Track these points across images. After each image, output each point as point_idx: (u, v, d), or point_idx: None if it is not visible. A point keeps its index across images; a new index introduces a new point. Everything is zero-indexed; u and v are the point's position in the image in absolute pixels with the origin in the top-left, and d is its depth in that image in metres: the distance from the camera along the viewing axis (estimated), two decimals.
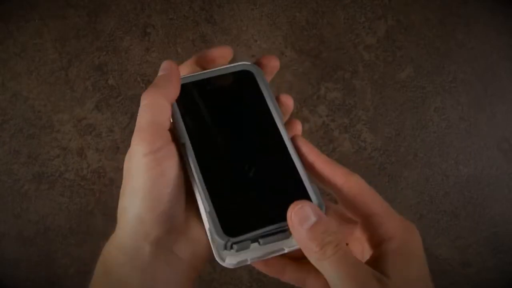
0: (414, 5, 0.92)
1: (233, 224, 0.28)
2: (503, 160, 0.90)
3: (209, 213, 0.29)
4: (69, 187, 0.87)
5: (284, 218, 0.28)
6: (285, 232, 0.28)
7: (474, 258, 0.90)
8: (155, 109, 0.30)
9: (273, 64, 0.35)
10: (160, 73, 0.31)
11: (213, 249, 0.29)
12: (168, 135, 0.30)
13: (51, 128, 0.88)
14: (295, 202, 0.27)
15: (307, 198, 0.30)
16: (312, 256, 0.26)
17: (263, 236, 0.28)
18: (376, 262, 0.27)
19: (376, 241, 0.28)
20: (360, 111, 0.90)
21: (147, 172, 0.29)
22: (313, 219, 0.27)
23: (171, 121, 0.31)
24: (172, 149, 0.30)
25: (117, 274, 0.29)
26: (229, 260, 0.28)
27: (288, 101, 0.34)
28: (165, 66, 0.31)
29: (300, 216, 0.27)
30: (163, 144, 0.29)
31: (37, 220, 0.87)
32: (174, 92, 0.31)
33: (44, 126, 0.88)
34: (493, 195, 0.90)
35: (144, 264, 0.29)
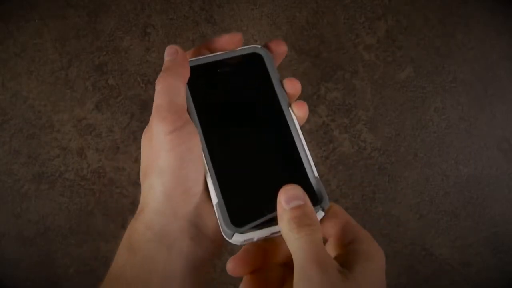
0: (414, 5, 0.92)
1: (240, 215, 0.29)
2: (503, 160, 0.90)
3: (218, 204, 0.29)
4: (69, 187, 0.87)
5: None
6: None
7: (474, 258, 0.90)
8: (172, 90, 0.30)
9: (282, 49, 0.35)
10: (166, 58, 0.32)
11: (220, 227, 0.30)
12: (187, 115, 0.31)
13: (51, 128, 0.88)
14: (288, 185, 0.28)
15: (313, 195, 0.30)
16: (287, 232, 0.27)
17: (268, 222, 0.29)
18: (341, 258, 0.28)
19: (344, 241, 0.29)
20: (360, 111, 0.90)
21: (173, 149, 0.29)
22: (299, 202, 0.28)
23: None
24: (192, 128, 0.30)
25: (144, 250, 0.29)
26: (236, 237, 0.29)
27: (296, 85, 0.34)
28: (170, 50, 0.32)
29: (288, 196, 0.28)
30: (184, 123, 0.30)
31: (37, 220, 0.87)
32: (185, 73, 0.32)
33: (44, 126, 0.88)
34: (493, 195, 0.90)
35: (171, 240, 0.29)
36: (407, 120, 0.90)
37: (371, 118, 0.90)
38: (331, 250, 0.31)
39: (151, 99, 0.99)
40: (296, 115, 0.33)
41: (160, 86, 0.30)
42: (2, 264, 0.86)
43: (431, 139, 0.90)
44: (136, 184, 0.86)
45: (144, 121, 0.86)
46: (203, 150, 0.31)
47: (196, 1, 0.91)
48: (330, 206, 0.31)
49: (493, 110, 0.91)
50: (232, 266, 0.29)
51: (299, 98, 0.34)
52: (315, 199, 0.30)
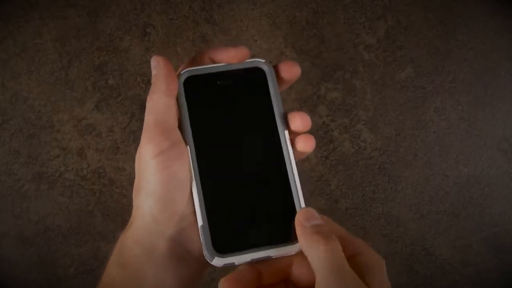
0: (414, 5, 0.92)
1: (223, 242, 0.29)
2: (503, 160, 0.90)
3: (202, 227, 0.30)
4: (69, 187, 0.87)
5: (272, 244, 0.29)
6: (273, 249, 0.30)
7: (474, 258, 0.90)
8: (158, 108, 0.30)
9: (294, 71, 0.33)
10: (152, 72, 0.31)
11: (203, 248, 0.30)
12: (176, 134, 0.30)
13: (51, 128, 0.88)
14: (304, 208, 0.30)
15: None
16: (309, 247, 0.27)
17: (250, 248, 0.30)
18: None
19: (349, 254, 0.29)
20: (360, 111, 0.90)
21: (157, 174, 0.29)
22: (318, 221, 0.29)
23: (179, 115, 0.31)
24: (180, 149, 0.30)
25: (132, 265, 0.29)
26: (216, 261, 0.29)
27: (305, 121, 0.32)
28: (153, 63, 0.31)
29: (307, 216, 0.29)
30: (171, 144, 0.30)
31: (37, 220, 0.87)
32: (171, 87, 0.31)
33: (44, 126, 0.88)
34: (493, 195, 0.90)
35: (159, 258, 0.29)
36: (407, 120, 0.90)
37: (371, 118, 0.90)
38: None
39: None
40: (301, 150, 0.32)
41: (147, 105, 0.30)
42: (2, 264, 0.86)
43: (431, 139, 0.90)
44: None
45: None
46: (193, 168, 0.30)
47: (196, 1, 0.91)
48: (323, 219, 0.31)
49: (493, 110, 0.91)
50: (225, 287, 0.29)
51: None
52: None
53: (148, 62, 0.90)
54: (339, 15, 0.92)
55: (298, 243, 0.29)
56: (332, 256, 0.27)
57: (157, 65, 0.31)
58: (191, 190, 0.30)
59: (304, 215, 0.29)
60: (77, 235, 0.87)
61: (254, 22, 0.91)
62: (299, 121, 0.32)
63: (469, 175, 0.90)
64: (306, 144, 0.32)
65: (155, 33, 0.90)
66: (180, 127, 0.31)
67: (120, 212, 0.86)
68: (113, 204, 0.87)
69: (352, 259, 0.28)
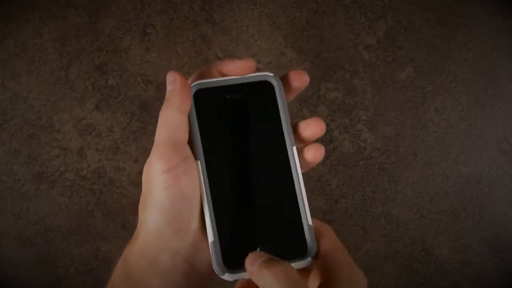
0: (414, 5, 0.92)
1: (233, 258, 0.30)
2: (503, 160, 0.90)
3: (212, 243, 0.30)
4: (69, 187, 0.87)
5: (279, 256, 0.29)
6: None
7: (474, 258, 0.90)
8: (170, 124, 0.30)
9: (303, 80, 0.33)
10: (168, 87, 0.32)
11: (213, 263, 0.31)
12: (186, 150, 0.31)
13: (51, 128, 0.88)
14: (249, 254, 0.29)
15: (302, 241, 0.31)
16: (264, 279, 0.27)
17: None
18: (323, 286, 0.28)
19: (326, 268, 0.29)
20: (360, 111, 0.90)
21: (165, 189, 0.29)
22: (262, 258, 0.28)
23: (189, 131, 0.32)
24: (190, 165, 0.30)
25: (137, 277, 0.30)
26: (227, 276, 0.30)
27: (318, 127, 0.33)
28: (170, 79, 0.32)
29: (251, 261, 0.29)
30: (180, 161, 0.30)
31: (37, 220, 0.87)
32: (185, 103, 0.31)
33: (44, 126, 0.88)
34: (493, 195, 0.90)
35: (164, 272, 0.30)
36: (407, 120, 0.90)
37: (371, 118, 0.90)
38: (314, 277, 0.31)
39: (151, 99, 0.99)
40: (310, 160, 0.32)
41: (160, 119, 0.31)
42: (2, 264, 0.86)
43: (431, 139, 0.90)
44: (136, 184, 0.86)
45: (144, 121, 0.87)
46: (204, 183, 0.31)
47: (196, 1, 0.91)
48: (322, 227, 0.31)
49: (493, 110, 0.91)
50: None
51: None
52: (305, 247, 0.31)
53: (149, 62, 0.90)
54: (339, 15, 0.92)
55: (305, 259, 0.30)
56: (283, 276, 0.26)
57: (174, 81, 0.31)
58: (200, 205, 0.31)
59: (248, 261, 0.29)
60: (77, 235, 0.87)
61: (254, 22, 0.91)
62: (314, 126, 0.33)
63: (469, 175, 0.90)
64: (315, 154, 0.32)
65: (155, 33, 0.90)
66: (190, 141, 0.32)
67: (120, 212, 0.86)
68: (113, 204, 0.87)
69: (330, 272, 0.28)
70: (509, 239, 0.90)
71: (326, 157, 0.89)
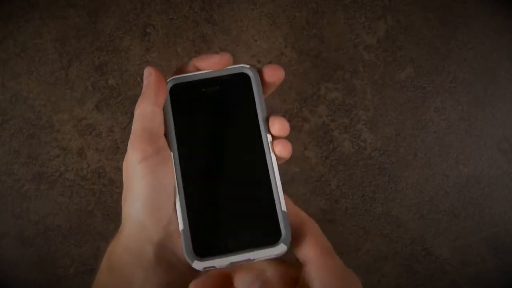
0: (414, 5, 0.92)
1: (203, 246, 0.30)
2: (503, 160, 0.90)
3: (183, 231, 0.30)
4: (69, 187, 0.87)
5: (252, 247, 0.30)
6: (253, 252, 0.30)
7: (474, 258, 0.90)
8: (145, 116, 0.31)
9: (278, 74, 0.33)
10: (144, 82, 0.32)
11: (183, 251, 0.30)
12: (161, 140, 0.31)
13: (51, 128, 0.88)
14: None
15: (277, 229, 0.31)
16: None
17: (229, 251, 0.30)
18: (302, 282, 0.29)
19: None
20: (360, 111, 0.90)
21: (143, 179, 0.30)
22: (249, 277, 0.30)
23: (165, 125, 0.32)
24: (165, 155, 0.31)
25: (122, 272, 0.30)
26: (196, 264, 0.30)
27: (284, 126, 0.32)
28: (146, 74, 0.32)
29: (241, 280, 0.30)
30: (156, 151, 0.30)
31: (37, 220, 0.87)
32: (160, 96, 0.32)
33: (44, 126, 0.88)
34: (493, 195, 0.90)
35: (148, 264, 0.30)
36: (407, 120, 0.90)
37: (371, 118, 0.90)
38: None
39: None
40: (278, 155, 0.32)
41: (135, 113, 0.31)
42: (2, 264, 0.86)
43: (431, 139, 0.90)
44: None
45: None
46: (176, 174, 0.31)
47: (196, 1, 0.91)
48: (308, 226, 0.30)
49: (493, 110, 0.91)
50: None
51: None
52: (279, 234, 0.30)
53: (149, 62, 0.90)
54: (339, 15, 0.92)
55: (278, 246, 0.30)
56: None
57: (149, 76, 0.32)
58: (175, 194, 0.31)
59: (237, 282, 0.29)
60: (77, 235, 0.87)
61: (254, 22, 0.91)
62: (278, 125, 0.32)
63: (469, 175, 0.90)
64: (283, 149, 0.32)
65: (155, 33, 0.90)
66: (166, 134, 0.32)
67: (120, 212, 0.86)
68: (113, 204, 0.87)
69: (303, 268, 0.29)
70: (509, 239, 0.90)
71: (326, 157, 0.89)
